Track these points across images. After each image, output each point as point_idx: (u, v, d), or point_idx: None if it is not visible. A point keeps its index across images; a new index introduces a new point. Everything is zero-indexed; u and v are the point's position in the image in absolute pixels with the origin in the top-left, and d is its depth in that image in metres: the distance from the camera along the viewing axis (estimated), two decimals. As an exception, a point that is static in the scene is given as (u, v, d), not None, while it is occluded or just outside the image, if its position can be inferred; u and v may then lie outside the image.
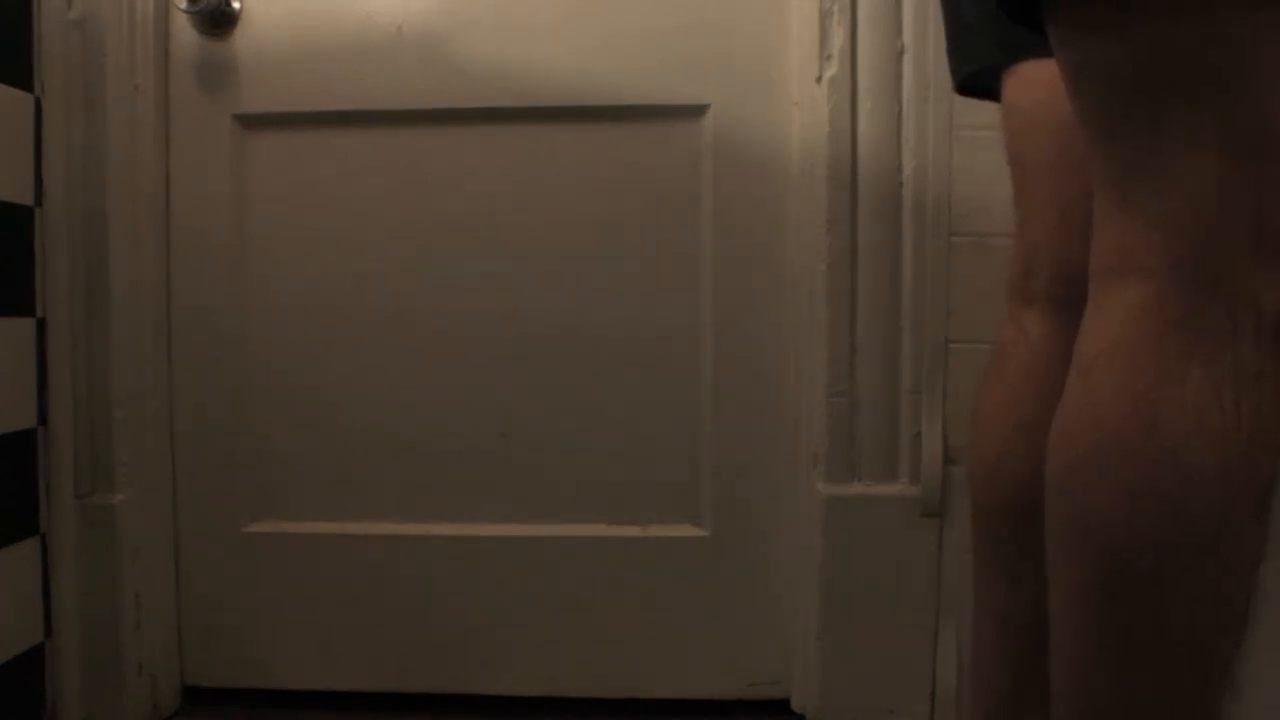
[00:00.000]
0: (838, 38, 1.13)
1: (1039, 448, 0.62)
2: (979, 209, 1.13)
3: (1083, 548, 0.55)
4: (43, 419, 1.10)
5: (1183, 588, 0.53)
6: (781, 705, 1.21)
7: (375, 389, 1.23)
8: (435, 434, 1.23)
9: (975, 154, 1.12)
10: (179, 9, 1.18)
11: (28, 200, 1.07)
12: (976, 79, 0.82)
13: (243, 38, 1.21)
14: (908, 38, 1.13)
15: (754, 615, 1.22)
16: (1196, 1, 0.48)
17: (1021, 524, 0.73)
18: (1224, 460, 0.52)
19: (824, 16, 1.13)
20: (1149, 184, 0.52)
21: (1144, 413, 0.53)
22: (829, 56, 1.14)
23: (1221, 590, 0.53)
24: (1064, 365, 0.59)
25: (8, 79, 1.04)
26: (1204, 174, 0.51)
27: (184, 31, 1.21)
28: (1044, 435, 0.61)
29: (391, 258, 1.22)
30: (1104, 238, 0.56)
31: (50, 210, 1.09)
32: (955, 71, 0.84)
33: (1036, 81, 0.74)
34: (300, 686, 1.25)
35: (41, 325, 1.10)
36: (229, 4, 1.19)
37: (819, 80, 1.14)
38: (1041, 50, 0.62)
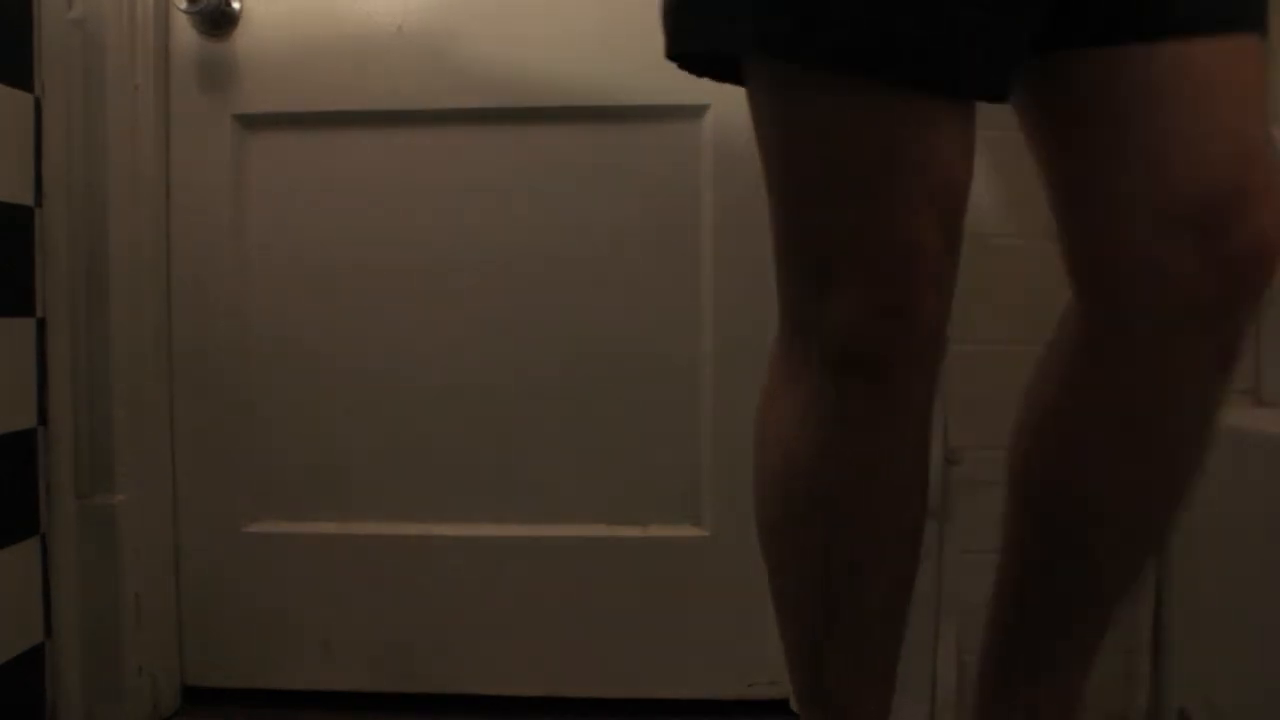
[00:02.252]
0: (838, 38, 1.13)
1: (1053, 446, 0.70)
2: (978, 209, 1.13)
3: None
4: (43, 419, 1.10)
5: (771, 555, 0.72)
6: (781, 705, 1.21)
7: (375, 389, 1.23)
8: (436, 434, 1.23)
9: (974, 154, 1.11)
10: (179, 9, 1.18)
11: (28, 200, 1.07)
12: None
13: (243, 38, 1.21)
14: (908, 38, 1.13)
15: (754, 615, 1.21)
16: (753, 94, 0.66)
17: (1034, 518, 0.74)
18: (785, 464, 0.67)
19: (824, 16, 1.13)
20: None
21: (757, 425, 0.72)
22: (829, 56, 1.13)
23: (800, 560, 0.69)
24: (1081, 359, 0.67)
25: (8, 79, 1.04)
26: (774, 226, 0.64)
27: (184, 31, 1.21)
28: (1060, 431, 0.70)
29: (391, 257, 1.22)
30: None
31: (50, 210, 1.09)
32: None
33: None
34: (300, 686, 1.25)
35: (41, 325, 1.10)
36: (229, 4, 1.19)
37: (819, 80, 1.14)
38: None
